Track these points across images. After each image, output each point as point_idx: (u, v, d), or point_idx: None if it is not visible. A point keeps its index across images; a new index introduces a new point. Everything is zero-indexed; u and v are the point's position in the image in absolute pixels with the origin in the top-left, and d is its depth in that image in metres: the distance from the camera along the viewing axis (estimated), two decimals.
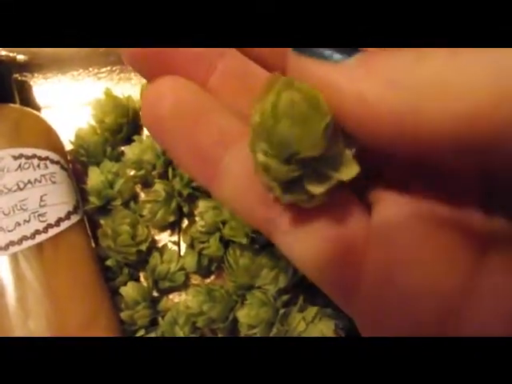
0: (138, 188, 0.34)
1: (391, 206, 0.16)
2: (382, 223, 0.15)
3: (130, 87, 0.37)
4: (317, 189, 0.14)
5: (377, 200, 0.16)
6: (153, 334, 0.29)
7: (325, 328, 0.25)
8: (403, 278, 0.14)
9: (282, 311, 0.27)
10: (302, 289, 0.28)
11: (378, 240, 0.15)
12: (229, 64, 0.18)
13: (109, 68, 0.37)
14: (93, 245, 0.31)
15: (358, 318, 0.16)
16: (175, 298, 0.32)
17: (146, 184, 0.33)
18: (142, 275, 0.32)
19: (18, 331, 0.27)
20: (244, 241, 0.27)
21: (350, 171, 0.14)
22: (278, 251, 0.28)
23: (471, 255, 0.14)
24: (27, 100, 0.37)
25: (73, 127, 0.34)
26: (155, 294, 0.31)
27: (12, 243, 0.27)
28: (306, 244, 0.15)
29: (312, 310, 0.26)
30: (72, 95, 0.37)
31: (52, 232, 0.28)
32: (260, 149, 0.14)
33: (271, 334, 0.27)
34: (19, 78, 0.37)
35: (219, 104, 0.17)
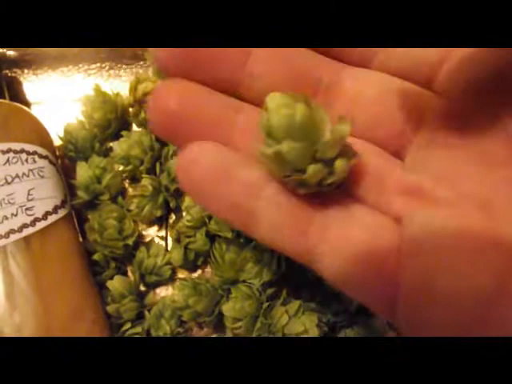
0: (126, 183, 0.34)
1: (422, 216, 0.16)
2: (415, 233, 0.16)
3: (119, 84, 0.37)
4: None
5: (406, 210, 0.17)
6: (139, 328, 0.30)
7: (308, 322, 0.26)
8: (442, 283, 0.15)
9: (265, 305, 0.27)
10: (285, 283, 0.29)
11: (412, 249, 0.16)
12: (246, 119, 0.19)
13: (98, 65, 0.37)
14: (80, 239, 0.31)
15: (400, 324, 0.17)
16: (162, 292, 0.32)
17: (134, 179, 0.34)
18: (129, 269, 0.32)
19: (5, 325, 0.27)
20: (229, 235, 0.28)
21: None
22: (262, 245, 0.28)
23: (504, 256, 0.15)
24: (17, 96, 0.37)
25: (62, 123, 0.34)
26: (142, 288, 0.32)
27: None
28: (344, 263, 0.17)
29: (295, 304, 0.27)
30: (62, 91, 0.37)
31: (39, 226, 0.28)
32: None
33: (255, 328, 0.27)
34: (9, 74, 0.37)
35: (243, 158, 0.18)
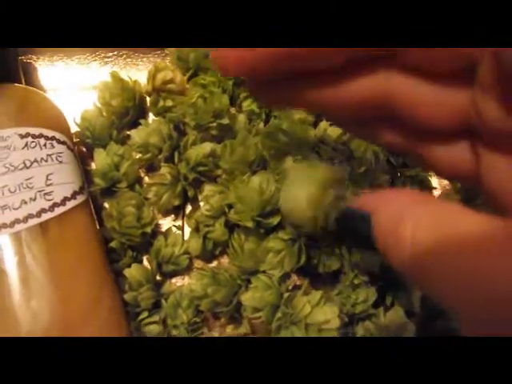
0: (142, 173, 0.34)
1: None
2: None
3: (136, 72, 0.37)
4: None
5: None
6: (156, 317, 0.29)
7: (329, 312, 0.26)
8: None
9: (286, 294, 0.27)
10: (306, 273, 0.28)
11: None
12: None
13: (116, 52, 0.37)
14: (97, 227, 0.31)
15: None
16: (178, 282, 0.32)
17: (151, 169, 0.33)
18: (145, 258, 0.32)
19: (21, 311, 0.27)
20: (250, 224, 0.28)
21: None
22: (283, 235, 0.28)
23: None
24: (32, 82, 0.37)
25: (78, 110, 0.34)
26: (158, 277, 0.31)
27: (17, 221, 0.27)
28: None
29: (317, 294, 0.26)
30: (78, 78, 0.37)
31: (58, 211, 0.28)
32: None
33: (276, 318, 0.27)
34: (25, 61, 0.37)
35: None
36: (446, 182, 0.35)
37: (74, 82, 0.37)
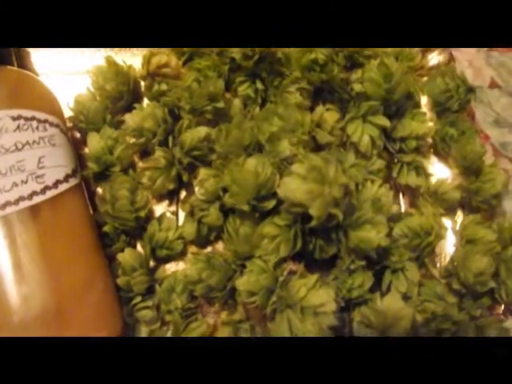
0: (136, 158, 0.33)
1: None
2: None
3: (130, 57, 0.36)
4: None
5: None
6: (149, 302, 0.29)
7: (325, 295, 0.25)
8: None
9: (282, 278, 0.27)
10: (301, 259, 0.28)
11: None
12: None
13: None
14: (91, 211, 0.31)
15: None
16: (172, 267, 0.31)
17: (145, 154, 0.33)
18: (138, 244, 0.31)
19: (12, 296, 0.26)
20: (245, 207, 0.27)
21: None
22: (279, 221, 0.28)
23: None
24: (25, 67, 0.36)
25: (71, 95, 0.33)
26: (152, 263, 0.31)
27: (9, 203, 0.27)
28: None
29: (313, 278, 0.26)
30: (70, 63, 0.36)
31: (49, 194, 0.28)
32: None
33: (270, 302, 0.26)
34: None
35: None
36: (443, 168, 0.35)
37: (66, 67, 0.36)
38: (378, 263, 0.29)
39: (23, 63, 0.36)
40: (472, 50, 0.40)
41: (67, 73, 0.36)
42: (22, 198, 0.27)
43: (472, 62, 0.39)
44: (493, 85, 0.39)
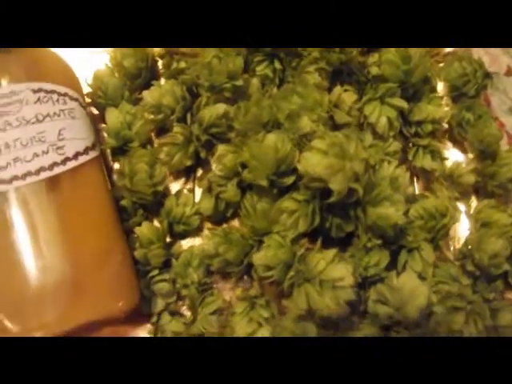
0: (154, 137, 0.34)
1: None
2: None
3: None
4: None
5: None
6: (166, 275, 0.29)
7: (344, 269, 0.25)
8: None
9: (300, 252, 0.27)
10: (319, 234, 0.28)
11: None
12: None
13: None
14: (109, 186, 0.31)
15: None
16: (189, 243, 0.31)
17: (163, 131, 0.33)
18: (155, 220, 0.31)
19: (30, 266, 0.26)
20: (264, 183, 0.27)
21: None
22: (297, 196, 0.28)
23: None
24: None
25: (89, 72, 0.33)
26: (169, 239, 0.31)
27: (29, 173, 0.27)
28: None
29: (331, 252, 0.26)
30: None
31: (69, 165, 0.28)
32: None
33: (288, 276, 0.26)
34: None
35: None
36: (458, 153, 0.35)
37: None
38: (394, 243, 0.29)
39: None
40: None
41: (85, 51, 0.36)
42: (42, 169, 0.27)
43: (488, 50, 0.39)
44: (509, 72, 0.39)
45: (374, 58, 0.34)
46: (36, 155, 0.27)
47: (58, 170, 0.27)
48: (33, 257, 0.26)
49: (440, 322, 0.27)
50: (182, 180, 0.33)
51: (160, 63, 0.35)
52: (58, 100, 0.29)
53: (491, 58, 0.39)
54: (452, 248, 0.33)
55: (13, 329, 0.26)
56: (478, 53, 0.39)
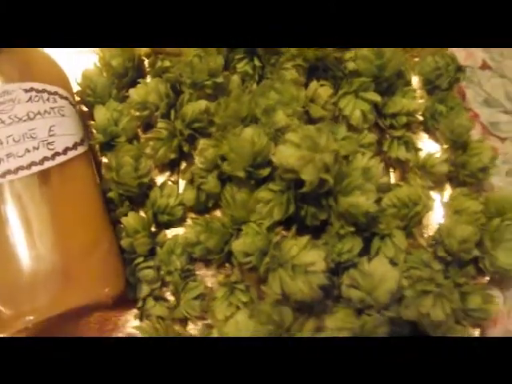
0: (140, 131, 0.35)
1: None
2: None
3: None
4: None
5: None
6: (151, 262, 0.31)
7: (316, 255, 0.27)
8: None
9: (275, 239, 0.28)
10: (293, 225, 0.30)
11: None
12: None
13: None
14: (97, 179, 0.33)
15: None
16: (172, 233, 0.33)
17: (148, 127, 0.35)
18: (141, 211, 0.33)
19: (24, 254, 0.28)
20: (242, 174, 0.29)
21: None
22: (273, 187, 0.29)
23: None
24: None
25: (77, 70, 0.35)
26: (154, 228, 0.33)
27: (21, 168, 0.28)
28: None
29: (304, 239, 0.28)
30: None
31: (59, 160, 0.30)
32: None
33: (264, 262, 0.28)
34: None
35: None
36: (432, 143, 0.36)
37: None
38: (366, 230, 0.31)
39: None
40: None
41: (74, 49, 0.37)
42: (33, 163, 0.29)
43: None
44: (484, 66, 0.40)
45: (350, 53, 0.35)
46: (27, 151, 0.29)
47: (48, 165, 0.29)
48: (26, 247, 0.28)
49: (409, 306, 0.29)
50: (167, 173, 0.34)
51: (146, 62, 0.36)
52: (48, 99, 0.31)
53: (467, 52, 0.40)
54: (426, 235, 0.35)
55: (6, 313, 0.27)
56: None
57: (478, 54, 0.41)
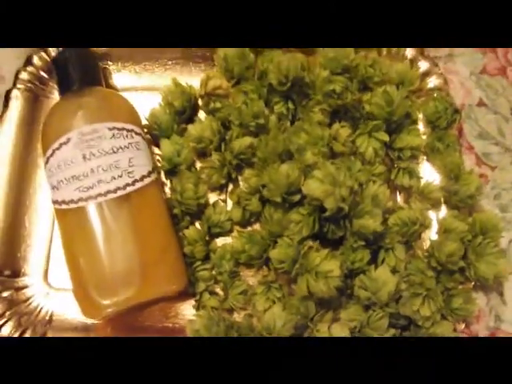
0: (196, 159, 0.44)
1: None
2: None
3: (188, 77, 0.46)
4: None
5: None
6: (206, 265, 0.40)
7: (333, 264, 0.35)
8: None
9: (303, 251, 0.37)
10: (317, 238, 0.38)
11: None
12: None
13: (174, 61, 0.47)
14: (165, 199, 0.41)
15: None
16: (223, 242, 0.42)
17: (204, 155, 0.43)
18: (197, 223, 0.42)
19: (106, 260, 0.36)
20: (278, 199, 0.37)
21: None
22: (302, 210, 0.38)
23: None
24: (108, 83, 0.47)
25: (142, 107, 0.43)
26: (208, 238, 0.42)
27: (109, 191, 0.36)
28: None
29: (325, 251, 0.36)
30: (143, 82, 0.47)
31: (138, 185, 0.38)
32: None
33: (295, 268, 0.37)
34: (101, 66, 0.47)
35: None
36: (433, 173, 0.44)
37: (139, 85, 0.47)
38: (374, 244, 0.39)
39: (107, 81, 0.46)
40: (465, 73, 0.49)
41: (140, 90, 0.46)
42: (118, 188, 0.37)
43: (464, 84, 0.48)
44: (480, 103, 0.48)
45: (367, 96, 0.43)
46: (113, 178, 0.37)
47: (129, 189, 0.37)
48: (115, 252, 0.36)
49: (405, 304, 0.37)
50: (217, 193, 0.43)
51: (199, 101, 0.45)
52: (127, 135, 0.39)
53: (465, 91, 0.48)
54: (424, 247, 0.43)
55: (101, 302, 0.36)
56: (455, 86, 0.48)
57: (476, 93, 0.48)
